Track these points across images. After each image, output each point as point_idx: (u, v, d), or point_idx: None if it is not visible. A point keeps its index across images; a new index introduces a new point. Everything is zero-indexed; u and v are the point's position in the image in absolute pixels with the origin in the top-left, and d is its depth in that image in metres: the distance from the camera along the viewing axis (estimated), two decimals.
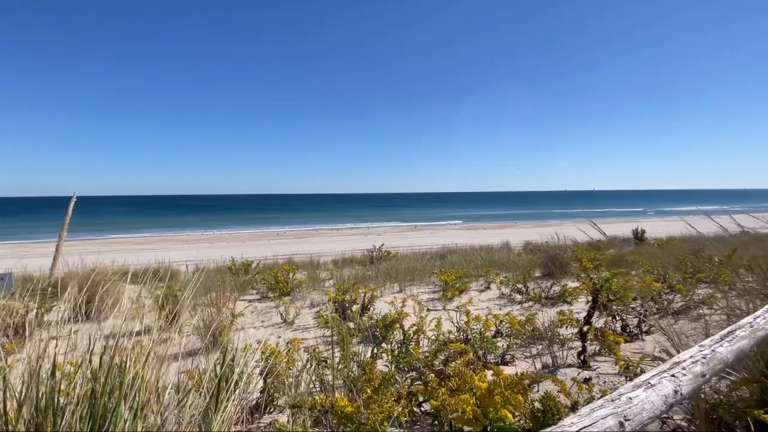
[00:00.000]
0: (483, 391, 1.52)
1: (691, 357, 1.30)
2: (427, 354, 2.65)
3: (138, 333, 1.71)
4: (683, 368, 1.22)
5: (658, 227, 15.72)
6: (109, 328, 1.69)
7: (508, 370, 2.97)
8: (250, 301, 6.09)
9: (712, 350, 1.38)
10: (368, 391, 1.69)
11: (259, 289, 6.77)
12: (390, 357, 2.64)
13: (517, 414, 1.61)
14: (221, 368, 1.80)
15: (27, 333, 1.58)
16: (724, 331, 1.56)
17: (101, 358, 1.33)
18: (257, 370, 2.44)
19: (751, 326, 1.64)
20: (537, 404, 1.69)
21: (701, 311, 3.93)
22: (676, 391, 1.13)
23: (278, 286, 6.07)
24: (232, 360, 1.89)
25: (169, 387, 1.63)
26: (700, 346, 1.41)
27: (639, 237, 11.55)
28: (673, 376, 1.18)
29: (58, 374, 1.35)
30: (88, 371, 1.31)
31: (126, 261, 7.13)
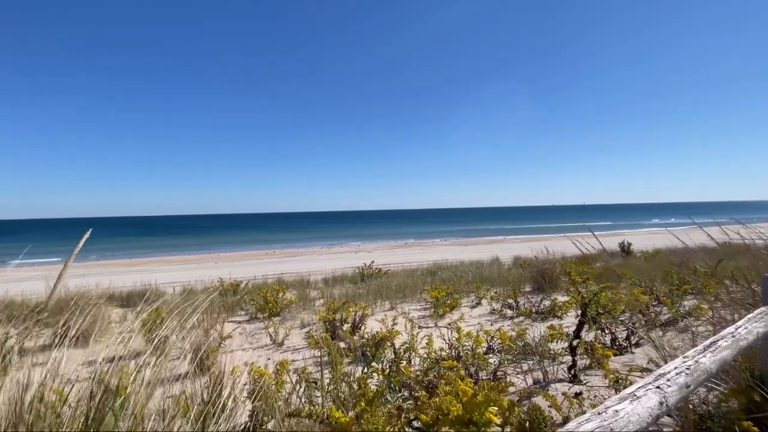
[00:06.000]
0: (468, 397, 1.53)
1: (675, 368, 1.32)
2: (418, 373, 2.63)
3: (124, 358, 1.68)
4: (668, 380, 1.24)
5: (644, 240, 15.97)
6: (94, 354, 1.66)
7: None
8: (239, 322, 5.99)
9: (696, 361, 1.40)
10: (362, 404, 1.69)
11: (247, 310, 6.67)
12: (381, 376, 2.62)
13: (508, 428, 1.61)
14: (208, 393, 1.77)
15: (9, 360, 1.54)
16: (707, 342, 1.59)
17: (89, 384, 1.31)
18: (245, 394, 2.39)
19: (733, 336, 1.67)
20: (524, 416, 1.71)
21: (688, 322, 3.98)
22: (661, 403, 1.15)
23: (267, 306, 5.98)
24: (220, 384, 1.86)
25: (155, 413, 1.59)
26: (684, 357, 1.43)
27: (626, 250, 11.71)
28: (658, 387, 1.19)
29: (42, 402, 1.32)
30: (75, 399, 1.28)
31: (111, 284, 7.00)
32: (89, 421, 1.28)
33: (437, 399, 1.56)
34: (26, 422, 1.31)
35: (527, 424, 1.64)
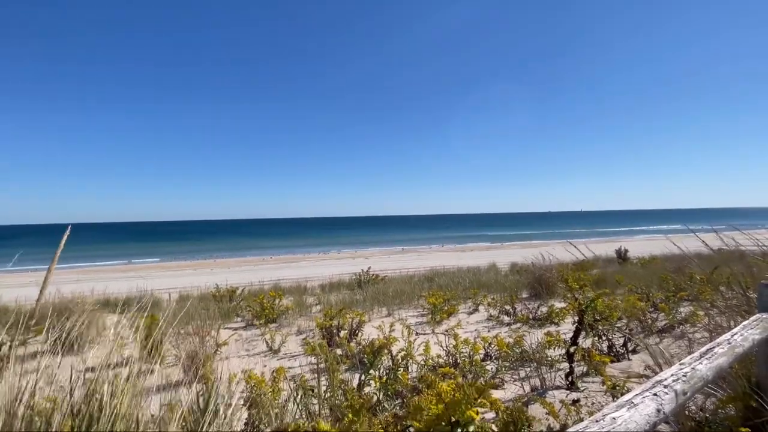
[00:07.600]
0: (451, 397, 1.52)
1: (672, 375, 1.32)
2: (415, 379, 2.62)
3: (118, 365, 1.66)
4: (665, 387, 1.24)
5: (640, 246, 16.04)
6: (89, 361, 1.64)
7: (497, 394, 2.95)
8: (235, 329, 5.95)
9: (693, 368, 1.40)
10: (349, 415, 1.68)
11: (244, 317, 6.62)
12: (378, 383, 2.60)
13: (494, 426, 1.62)
14: (204, 400, 1.76)
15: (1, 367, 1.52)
16: (704, 349, 1.59)
17: (81, 392, 1.29)
18: (241, 401, 2.37)
19: (729, 343, 1.67)
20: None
21: (684, 329, 3.99)
22: (658, 410, 1.15)
23: (264, 312, 5.95)
24: (215, 391, 1.84)
25: (150, 421, 1.57)
26: (681, 364, 1.43)
27: (622, 256, 11.76)
28: (655, 395, 1.19)
29: (32, 410, 1.30)
30: (66, 407, 1.27)
31: (106, 290, 6.94)
32: (80, 430, 1.27)
33: (416, 398, 1.56)
34: (17, 430, 1.29)
35: (511, 426, 1.64)
